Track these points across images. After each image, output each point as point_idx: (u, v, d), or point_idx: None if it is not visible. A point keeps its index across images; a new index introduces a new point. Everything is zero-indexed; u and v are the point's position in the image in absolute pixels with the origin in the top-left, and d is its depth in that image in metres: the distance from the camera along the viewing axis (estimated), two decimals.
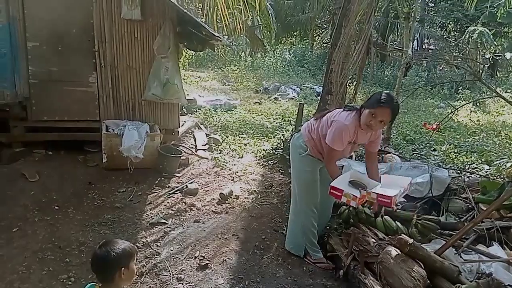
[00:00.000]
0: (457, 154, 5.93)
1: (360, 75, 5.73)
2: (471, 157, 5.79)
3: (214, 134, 6.39)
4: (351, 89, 7.07)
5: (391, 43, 19.53)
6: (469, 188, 3.93)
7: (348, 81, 6.13)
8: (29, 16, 4.79)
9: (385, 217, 3.30)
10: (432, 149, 6.22)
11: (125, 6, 4.98)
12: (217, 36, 5.63)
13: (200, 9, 13.54)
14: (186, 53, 11.20)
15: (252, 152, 5.79)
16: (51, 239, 3.25)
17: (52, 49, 4.93)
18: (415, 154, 5.84)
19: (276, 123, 7.62)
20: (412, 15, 7.15)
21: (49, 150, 5.07)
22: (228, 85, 12.07)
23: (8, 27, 4.70)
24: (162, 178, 4.65)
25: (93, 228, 3.48)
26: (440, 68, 17.32)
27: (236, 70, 13.89)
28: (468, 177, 4.83)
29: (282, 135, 6.08)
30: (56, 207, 3.78)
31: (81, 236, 3.32)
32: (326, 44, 19.29)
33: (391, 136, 6.57)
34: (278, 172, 5.07)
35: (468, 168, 5.18)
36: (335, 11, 5.92)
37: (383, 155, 5.47)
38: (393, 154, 5.41)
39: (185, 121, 6.82)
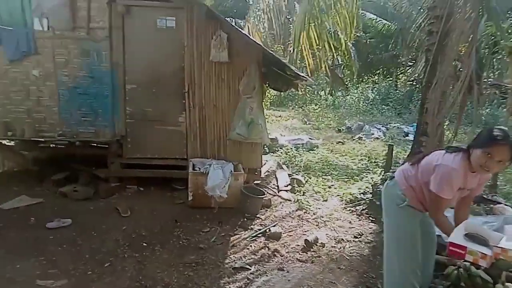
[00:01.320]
0: None
1: (460, 115, 5.19)
2: None
3: (297, 174, 6.21)
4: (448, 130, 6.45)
5: (485, 79, 17.96)
6: None
7: (445, 122, 5.61)
8: (129, 62, 5.22)
9: (508, 284, 2.75)
10: None
11: (213, 50, 5.19)
12: (302, 76, 5.58)
13: (282, 49, 13.94)
14: (269, 92, 11.41)
15: (338, 195, 5.46)
16: (138, 277, 3.25)
17: (147, 91, 5.29)
18: None
19: (362, 164, 7.21)
20: None
21: (141, 186, 5.32)
22: (309, 124, 11.95)
23: (111, 72, 5.17)
24: (245, 219, 4.53)
25: (178, 268, 3.43)
26: None
27: (317, 109, 13.78)
28: None
29: (371, 178, 5.67)
30: (144, 244, 3.83)
31: (166, 277, 3.28)
32: (411, 82, 18.40)
33: (497, 183, 5.76)
34: (368, 220, 4.66)
35: None
36: (428, 47, 5.53)
37: (491, 205, 4.77)
38: (504, 204, 4.69)
39: (266, 161, 6.77)
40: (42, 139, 5.16)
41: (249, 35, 7.65)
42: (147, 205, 4.75)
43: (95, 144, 5.48)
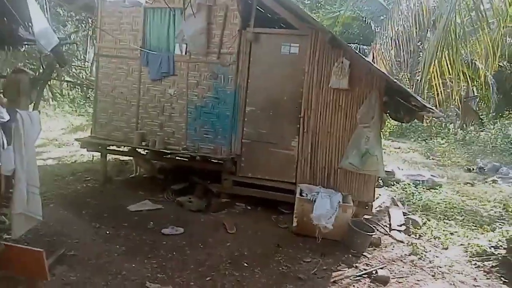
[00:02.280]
0: None
1: None
2: None
3: (413, 214, 5.64)
4: None
5: None
6: None
7: None
8: (251, 85, 5.50)
9: None
10: None
11: (333, 76, 5.13)
12: (429, 107, 5.10)
13: (408, 78, 13.10)
14: (389, 122, 10.78)
15: (461, 244, 4.76)
16: None
17: (264, 114, 5.47)
18: None
19: (495, 212, 6.19)
20: None
21: (248, 204, 5.46)
22: (433, 159, 10.85)
23: (234, 94, 5.51)
24: (350, 255, 4.26)
25: None
26: None
27: (443, 144, 12.47)
28: None
29: (506, 230, 4.81)
30: (245, 264, 3.88)
31: None
32: None
33: None
34: (499, 280, 3.93)
35: None
36: None
37: None
38: None
39: (380, 195, 6.33)
40: (169, 151, 5.72)
41: (372, 63, 7.39)
42: (252, 224, 4.84)
43: (213, 160, 5.85)
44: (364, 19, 15.47)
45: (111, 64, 6.08)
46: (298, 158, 5.40)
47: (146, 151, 5.89)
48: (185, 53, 5.69)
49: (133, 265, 3.61)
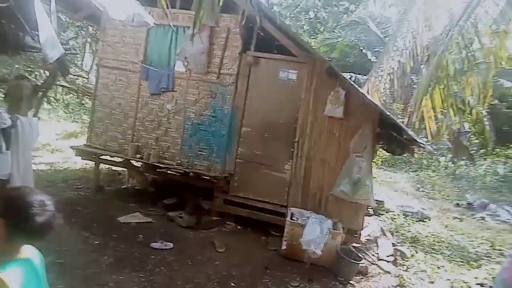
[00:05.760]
0: None
1: None
2: None
3: (402, 245, 5.67)
4: None
5: None
6: None
7: None
8: (248, 106, 5.59)
9: None
10: None
11: (329, 104, 5.24)
12: (420, 142, 5.21)
13: (402, 109, 13.31)
14: (381, 152, 10.90)
15: (448, 279, 4.78)
16: None
17: (260, 135, 5.55)
18: None
19: (482, 249, 6.24)
20: None
21: (239, 224, 5.46)
22: (423, 191, 10.96)
23: (231, 113, 5.59)
24: (337, 283, 4.27)
25: None
26: None
27: (433, 177, 12.62)
28: None
29: (492, 268, 4.86)
30: (232, 284, 3.86)
31: None
32: None
33: None
34: None
35: None
36: None
37: None
38: None
39: (369, 223, 6.36)
40: (163, 165, 5.73)
41: (367, 94, 7.55)
42: (242, 244, 4.83)
43: (206, 177, 5.86)
44: (361, 48, 15.82)
45: (111, 75, 6.15)
46: (291, 181, 5.44)
47: (140, 163, 5.90)
48: (186, 71, 5.79)
49: (121, 277, 3.59)
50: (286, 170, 5.48)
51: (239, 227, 5.44)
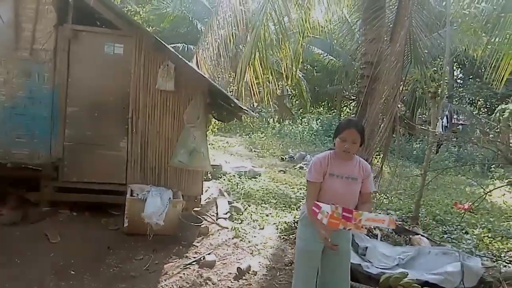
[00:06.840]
0: (492, 239, 5.58)
1: (386, 152, 5.69)
2: (507, 244, 5.42)
3: (237, 202, 6.36)
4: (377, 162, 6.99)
5: (420, 115, 19.55)
6: (505, 281, 3.63)
7: (375, 155, 6.12)
8: (72, 84, 5.19)
9: None
10: (463, 231, 5.90)
11: (160, 78, 5.32)
12: (244, 109, 5.84)
13: (233, 78, 14.27)
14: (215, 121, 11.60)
15: (274, 223, 5.67)
16: None
17: (89, 115, 5.26)
18: (445, 237, 5.53)
19: (300, 193, 7.53)
20: (439, 94, 7.20)
21: (74, 211, 5.18)
22: (254, 151, 12.24)
23: (52, 93, 5.10)
24: (181, 247, 4.58)
25: None
26: (470, 145, 16.98)
27: (263, 137, 14.16)
28: (505, 266, 4.50)
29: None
30: (72, 272, 3.75)
31: None
32: (354, 115, 19.55)
33: (420, 215, 6.31)
34: None
35: (504, 257, 4.83)
36: (360, 89, 6.07)
37: (410, 236, 5.22)
38: (421, 236, 5.15)
39: (208, 187, 6.87)
40: None
41: (196, 66, 7.87)
42: (80, 231, 4.64)
43: (29, 166, 5.28)
44: (191, 19, 16.03)
45: None
46: (127, 159, 5.40)
47: None
48: None
49: None
50: (122, 148, 5.39)
51: (75, 213, 5.14)
